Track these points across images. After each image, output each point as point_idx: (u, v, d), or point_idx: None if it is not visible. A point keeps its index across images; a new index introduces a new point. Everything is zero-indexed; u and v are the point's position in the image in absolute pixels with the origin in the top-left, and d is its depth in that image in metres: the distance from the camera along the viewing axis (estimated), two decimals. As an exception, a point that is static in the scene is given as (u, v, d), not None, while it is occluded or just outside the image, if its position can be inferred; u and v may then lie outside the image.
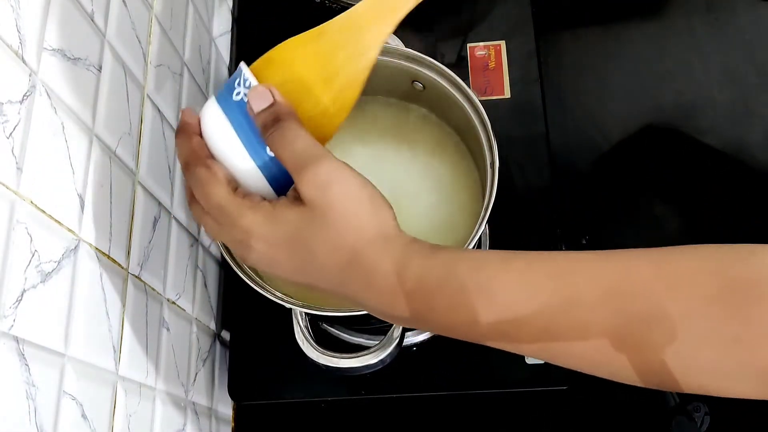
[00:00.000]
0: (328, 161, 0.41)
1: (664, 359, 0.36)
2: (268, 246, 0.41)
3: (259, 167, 0.43)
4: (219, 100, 0.44)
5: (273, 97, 0.43)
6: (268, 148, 0.43)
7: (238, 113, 0.43)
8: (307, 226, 0.40)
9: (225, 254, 0.57)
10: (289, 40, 0.46)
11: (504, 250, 0.41)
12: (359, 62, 0.45)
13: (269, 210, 0.42)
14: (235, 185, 0.43)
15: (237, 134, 0.43)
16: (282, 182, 0.44)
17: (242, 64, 0.45)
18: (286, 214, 0.41)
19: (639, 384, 0.38)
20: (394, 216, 0.41)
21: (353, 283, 0.40)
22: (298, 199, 0.41)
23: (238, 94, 0.44)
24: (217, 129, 0.44)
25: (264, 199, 0.43)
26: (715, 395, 0.37)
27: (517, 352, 0.40)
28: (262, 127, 0.42)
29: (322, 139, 0.45)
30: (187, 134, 0.45)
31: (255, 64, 0.46)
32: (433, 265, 0.39)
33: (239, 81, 0.44)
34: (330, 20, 0.46)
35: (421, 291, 0.39)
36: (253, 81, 0.43)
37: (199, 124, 0.45)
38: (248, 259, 0.43)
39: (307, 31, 0.46)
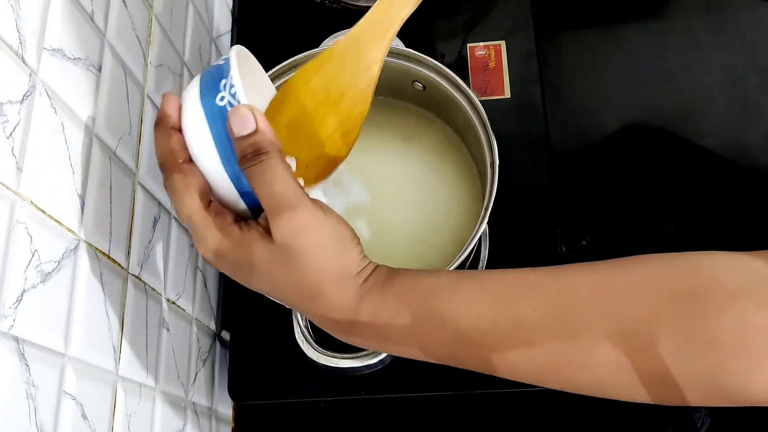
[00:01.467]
0: (304, 208, 0.40)
1: (608, 375, 0.37)
2: (232, 268, 0.42)
3: (233, 182, 0.42)
4: (202, 98, 0.42)
5: (256, 123, 0.40)
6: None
7: (219, 122, 0.41)
8: (274, 263, 0.41)
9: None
10: (294, 75, 0.48)
11: (457, 272, 0.42)
12: (362, 80, 0.47)
13: (238, 237, 0.41)
14: (209, 198, 0.42)
15: (215, 144, 0.41)
16: (254, 197, 0.43)
17: (232, 57, 0.42)
18: (255, 246, 0.41)
19: (591, 395, 0.39)
20: (360, 251, 0.43)
21: (313, 314, 0.43)
22: (269, 234, 0.41)
23: (222, 99, 0.41)
24: (196, 133, 0.42)
25: (234, 221, 0.42)
26: (664, 405, 0.37)
27: (472, 370, 0.41)
28: (240, 156, 0.41)
29: (338, 159, 0.49)
30: (166, 130, 0.43)
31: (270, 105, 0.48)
32: (385, 299, 0.41)
33: (226, 84, 0.41)
34: (328, 48, 0.48)
35: (375, 324, 0.41)
36: (240, 94, 0.41)
37: (180, 114, 0.43)
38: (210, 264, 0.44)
39: (310, 63, 0.48)
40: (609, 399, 0.38)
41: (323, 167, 0.50)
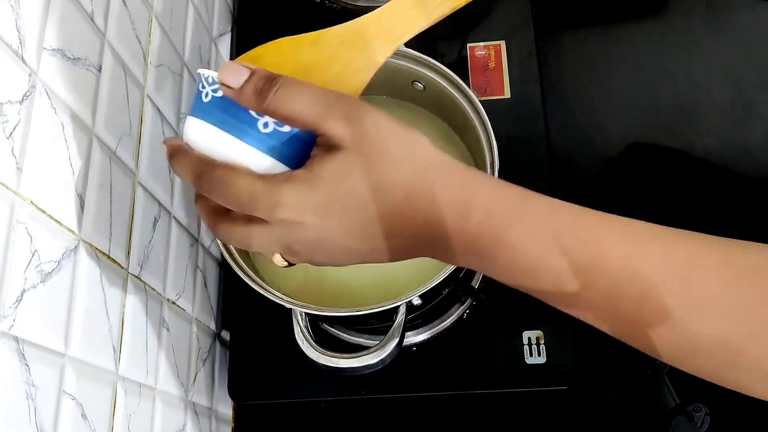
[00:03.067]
0: (348, 96, 0.38)
1: (714, 349, 0.36)
2: (319, 216, 0.37)
3: (259, 148, 0.40)
4: (193, 113, 0.42)
5: (248, 67, 0.39)
6: (260, 125, 0.40)
7: (216, 111, 0.41)
8: (353, 170, 0.37)
9: (225, 254, 0.57)
10: (282, 39, 0.44)
11: (570, 204, 0.39)
12: (354, 80, 0.44)
13: (306, 174, 0.37)
14: (257, 174, 0.39)
15: (223, 130, 0.40)
16: (290, 154, 0.41)
17: (200, 71, 0.42)
18: (325, 168, 0.37)
19: (680, 365, 0.38)
20: (429, 141, 0.39)
21: (417, 222, 0.38)
22: (332, 147, 0.37)
23: (206, 95, 0.41)
24: (203, 137, 0.41)
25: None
26: (758, 397, 0.37)
27: (571, 312, 0.39)
28: (257, 95, 0.38)
29: None
30: (183, 152, 0.41)
31: (241, 58, 0.45)
32: (504, 200, 0.38)
33: (202, 84, 0.42)
34: (332, 27, 0.44)
35: (489, 226, 0.37)
36: (214, 73, 0.41)
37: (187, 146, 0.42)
38: (302, 247, 0.38)
39: (305, 35, 0.44)
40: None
41: None
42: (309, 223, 0.37)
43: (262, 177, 0.38)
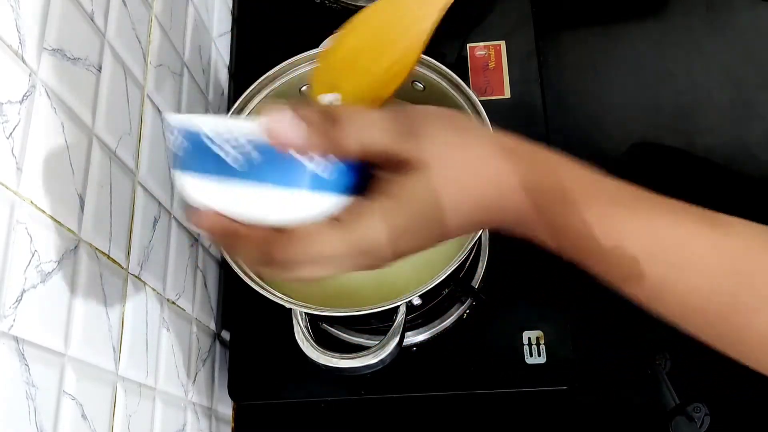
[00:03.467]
0: (404, 111, 0.37)
1: (764, 342, 0.36)
2: (409, 236, 0.35)
3: (323, 191, 0.35)
4: (214, 176, 0.34)
5: (294, 112, 0.34)
6: (314, 167, 0.34)
7: (263, 172, 0.34)
8: (434, 184, 0.35)
9: (225, 255, 0.57)
10: (359, 13, 0.51)
11: (626, 186, 0.41)
12: (414, 31, 0.51)
13: (394, 195, 0.35)
14: (334, 231, 0.35)
15: (283, 187, 0.35)
16: (349, 186, 0.36)
17: (210, 132, 0.34)
18: (407, 187, 0.35)
19: (731, 354, 0.38)
20: (484, 127, 0.41)
21: (498, 207, 0.38)
22: (411, 167, 0.35)
23: (235, 160, 0.34)
24: (247, 204, 0.35)
25: (356, 205, 0.36)
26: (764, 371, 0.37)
27: (617, 286, 0.40)
28: (324, 138, 0.34)
29: (378, 100, 0.52)
30: (238, 233, 0.35)
31: (325, 51, 0.50)
32: (578, 179, 0.41)
33: (219, 147, 0.34)
34: None
35: (545, 200, 0.40)
36: (250, 125, 0.34)
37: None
38: (386, 259, 0.36)
39: (372, 5, 0.51)
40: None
41: (365, 105, 0.51)
42: (397, 247, 0.35)
43: (339, 226, 0.35)
